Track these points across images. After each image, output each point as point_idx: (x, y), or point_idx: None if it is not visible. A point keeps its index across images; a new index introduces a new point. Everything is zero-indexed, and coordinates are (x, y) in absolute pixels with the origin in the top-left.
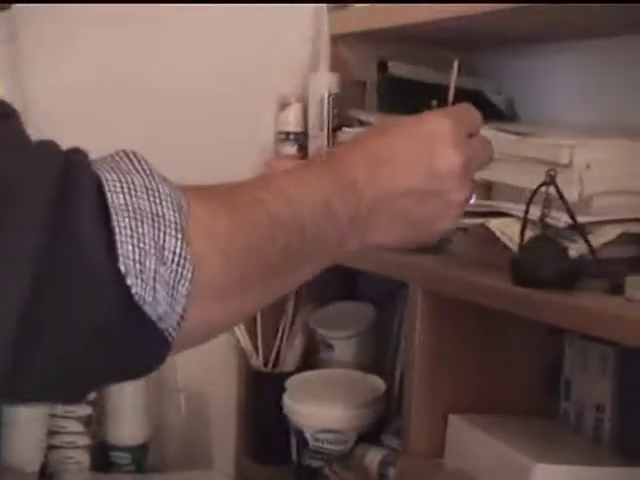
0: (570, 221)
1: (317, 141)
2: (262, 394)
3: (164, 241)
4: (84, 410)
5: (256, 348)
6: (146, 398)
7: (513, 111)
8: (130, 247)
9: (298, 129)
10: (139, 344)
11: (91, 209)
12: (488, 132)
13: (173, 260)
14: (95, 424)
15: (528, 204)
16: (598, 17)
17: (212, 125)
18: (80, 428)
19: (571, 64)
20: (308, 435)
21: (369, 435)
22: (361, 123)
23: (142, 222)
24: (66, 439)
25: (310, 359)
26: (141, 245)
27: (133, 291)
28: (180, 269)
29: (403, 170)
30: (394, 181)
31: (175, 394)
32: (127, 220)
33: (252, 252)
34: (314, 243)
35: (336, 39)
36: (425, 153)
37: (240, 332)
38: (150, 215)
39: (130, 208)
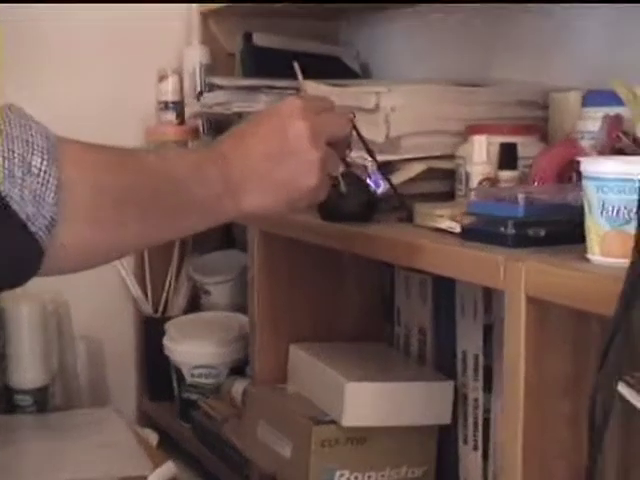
0: (383, 158)
1: (192, 108)
2: (153, 338)
3: (31, 159)
4: None
5: (146, 296)
6: (44, 345)
7: (368, 73)
8: (1, 160)
9: (176, 98)
10: (13, 245)
11: None
12: (311, 85)
13: (39, 174)
14: None
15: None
16: None
17: (99, 97)
18: None
19: (414, 28)
20: (185, 371)
21: (241, 369)
22: (220, 87)
23: (14, 144)
24: None
25: (195, 304)
26: (11, 159)
27: (1, 189)
28: (45, 181)
29: (261, 139)
30: (254, 148)
31: (72, 341)
32: (1, 141)
33: (122, 187)
34: (188, 199)
35: (206, 15)
36: (279, 124)
37: (130, 281)
38: (21, 140)
39: (5, 134)
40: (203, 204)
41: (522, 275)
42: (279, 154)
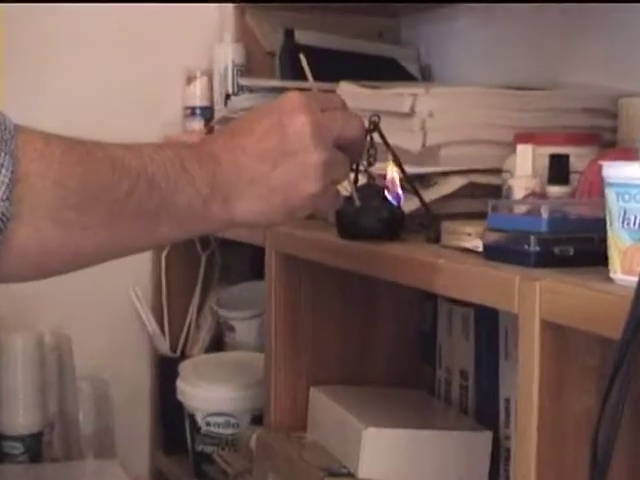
0: (416, 170)
1: (220, 115)
2: (170, 381)
3: None
4: None
5: (163, 332)
6: (40, 385)
7: (430, 76)
8: None
9: (204, 103)
10: None
11: None
12: (344, 86)
13: None
14: None
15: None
16: None
17: (116, 100)
18: None
19: (482, 26)
20: (199, 419)
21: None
22: (248, 90)
23: None
24: None
25: (219, 343)
26: None
27: None
28: None
29: (256, 137)
30: (248, 147)
31: (74, 382)
32: None
33: (91, 185)
34: (168, 202)
35: (242, 8)
36: (277, 121)
37: (145, 315)
38: None
39: None
40: (186, 209)
41: (536, 296)
42: (276, 154)
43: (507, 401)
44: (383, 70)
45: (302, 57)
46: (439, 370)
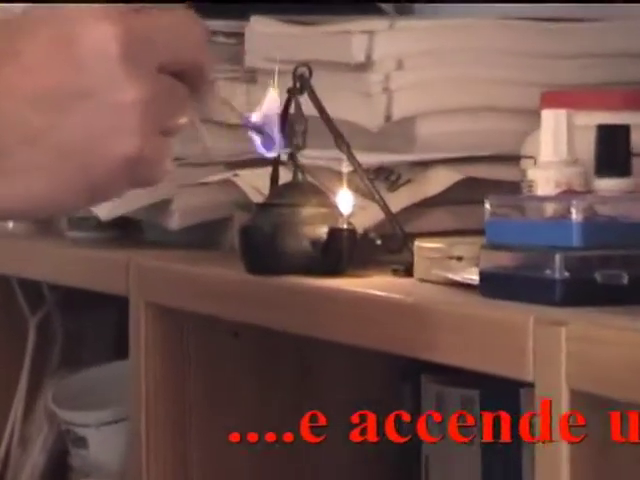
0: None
1: None
2: None
3: None
4: None
5: None
6: None
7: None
8: None
9: None
10: None
11: None
12: (258, 23)
13: None
14: None
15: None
16: None
17: None
18: None
19: None
20: None
21: None
22: None
23: None
24: None
25: (60, 465)
26: None
27: None
28: None
29: (27, 66)
30: (15, 84)
31: None
32: None
33: None
34: None
35: None
36: (62, 36)
37: None
38: None
39: None
40: None
41: (562, 351)
42: (63, 94)
43: None
44: (333, 5)
45: None
46: None
